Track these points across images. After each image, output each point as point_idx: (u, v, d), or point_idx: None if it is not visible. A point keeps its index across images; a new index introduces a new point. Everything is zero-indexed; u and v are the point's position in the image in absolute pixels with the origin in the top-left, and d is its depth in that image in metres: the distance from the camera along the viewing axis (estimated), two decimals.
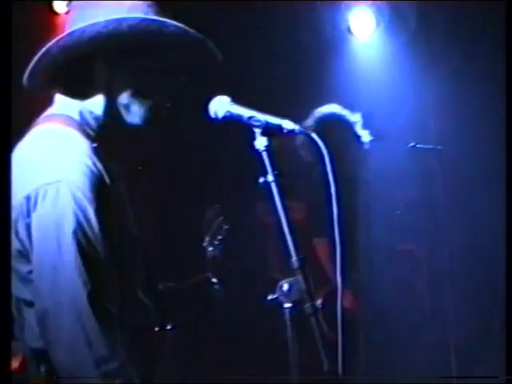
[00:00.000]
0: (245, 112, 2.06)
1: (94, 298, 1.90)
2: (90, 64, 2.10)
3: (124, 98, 2.12)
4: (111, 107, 2.13)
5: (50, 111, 2.17)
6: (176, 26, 2.07)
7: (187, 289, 2.58)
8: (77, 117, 2.12)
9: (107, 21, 2.02)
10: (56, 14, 5.84)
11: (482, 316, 5.85)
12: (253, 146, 2.03)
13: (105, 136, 2.13)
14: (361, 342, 4.79)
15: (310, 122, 4.78)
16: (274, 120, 2.03)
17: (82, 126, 2.11)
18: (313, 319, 1.97)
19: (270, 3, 5.77)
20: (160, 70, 2.13)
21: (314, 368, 1.89)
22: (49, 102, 2.20)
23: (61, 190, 1.92)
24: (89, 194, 1.94)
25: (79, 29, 2.03)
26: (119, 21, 2.02)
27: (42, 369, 2.02)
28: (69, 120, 2.10)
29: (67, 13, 5.83)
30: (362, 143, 4.85)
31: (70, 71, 2.10)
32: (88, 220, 1.93)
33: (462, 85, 5.57)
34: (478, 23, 5.57)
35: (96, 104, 2.13)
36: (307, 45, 5.95)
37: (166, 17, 2.11)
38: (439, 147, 4.76)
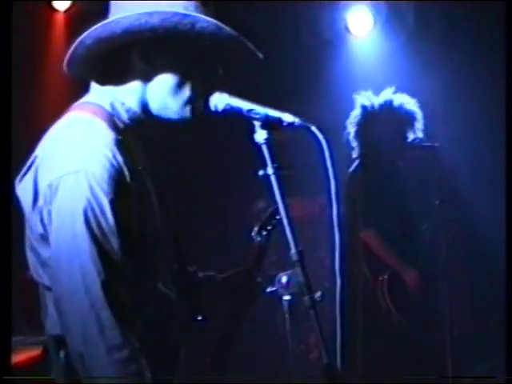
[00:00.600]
0: (244, 105, 2.07)
1: (108, 286, 1.92)
2: (125, 55, 2.09)
3: (159, 91, 2.11)
4: (145, 100, 2.12)
5: (84, 99, 2.17)
6: (209, 22, 2.05)
7: (226, 279, 2.55)
8: (108, 107, 2.11)
9: (139, 14, 2.01)
10: (56, 11, 5.84)
11: (480, 316, 5.85)
12: (252, 139, 2.03)
13: (134, 129, 2.12)
14: (360, 338, 4.79)
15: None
16: (273, 113, 2.03)
17: (112, 117, 2.09)
18: (312, 312, 1.97)
19: (269, 2, 5.78)
20: (197, 63, 2.11)
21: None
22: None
23: (79, 180, 1.94)
24: (106, 186, 1.94)
25: (113, 20, 2.04)
26: (151, 14, 2.01)
27: (62, 354, 2.04)
28: (99, 109, 2.09)
29: (67, 11, 5.85)
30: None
31: (104, 61, 2.10)
32: (103, 211, 1.94)
33: (460, 83, 5.58)
34: (477, 21, 5.58)
35: (129, 96, 2.12)
36: (305, 43, 5.96)
37: (208, 15, 2.08)
38: (436, 144, 4.77)
